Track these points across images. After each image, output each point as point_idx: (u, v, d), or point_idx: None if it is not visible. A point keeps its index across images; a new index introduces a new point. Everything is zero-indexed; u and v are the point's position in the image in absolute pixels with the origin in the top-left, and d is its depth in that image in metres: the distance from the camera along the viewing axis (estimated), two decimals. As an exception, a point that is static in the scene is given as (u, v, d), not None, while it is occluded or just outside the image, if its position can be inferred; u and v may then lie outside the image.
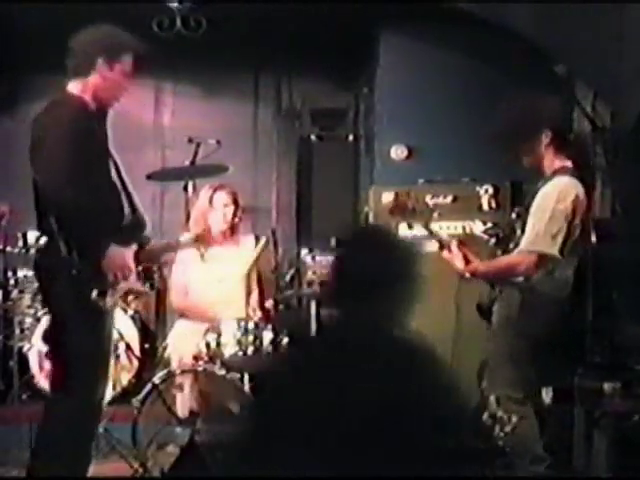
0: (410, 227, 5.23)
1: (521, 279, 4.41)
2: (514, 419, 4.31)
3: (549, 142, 4.41)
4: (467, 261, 4.53)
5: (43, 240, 4.14)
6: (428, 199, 5.99)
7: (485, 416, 4.44)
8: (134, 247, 4.13)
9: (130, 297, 5.99)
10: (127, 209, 4.16)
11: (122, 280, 4.01)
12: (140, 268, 4.22)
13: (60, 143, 3.84)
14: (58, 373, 4.16)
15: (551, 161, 4.45)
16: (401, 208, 5.02)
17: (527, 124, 4.42)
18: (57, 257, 3.90)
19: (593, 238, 4.53)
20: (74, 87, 4.11)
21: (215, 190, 5.67)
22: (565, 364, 4.79)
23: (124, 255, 4.01)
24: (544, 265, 4.34)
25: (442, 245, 4.62)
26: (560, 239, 4.31)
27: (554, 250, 4.30)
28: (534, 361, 4.37)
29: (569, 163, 4.44)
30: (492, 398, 4.38)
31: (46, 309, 4.34)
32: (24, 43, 6.97)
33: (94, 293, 3.92)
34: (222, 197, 5.65)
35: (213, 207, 5.63)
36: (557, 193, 4.36)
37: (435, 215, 5.75)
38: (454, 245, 4.58)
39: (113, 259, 3.94)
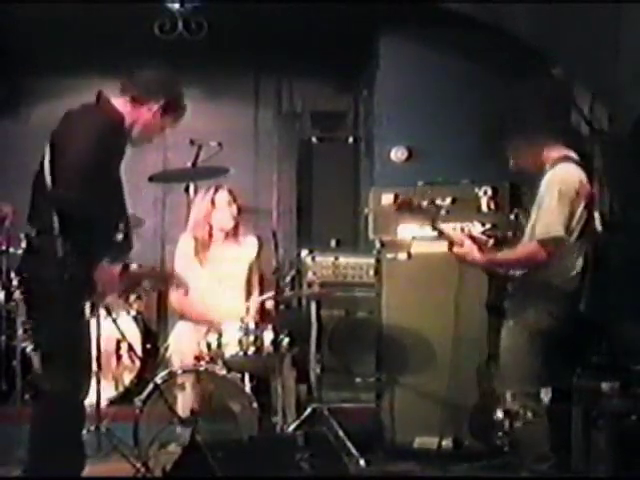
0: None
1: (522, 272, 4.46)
2: (529, 414, 4.34)
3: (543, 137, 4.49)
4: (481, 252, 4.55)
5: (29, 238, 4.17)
6: (427, 201, 6.01)
7: (497, 413, 4.48)
8: (119, 267, 4.12)
9: (132, 298, 6.03)
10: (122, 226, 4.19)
11: (109, 294, 4.06)
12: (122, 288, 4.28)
13: (86, 147, 3.92)
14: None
15: (549, 153, 4.51)
16: (407, 205, 5.02)
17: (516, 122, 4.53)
18: (51, 257, 3.92)
19: (599, 227, 4.55)
20: (120, 101, 4.21)
21: (216, 190, 5.69)
22: (565, 364, 4.82)
23: (111, 270, 4.03)
24: (558, 249, 4.36)
25: (452, 242, 4.61)
26: (567, 221, 4.35)
27: (561, 231, 4.34)
28: (546, 355, 4.40)
29: (569, 152, 4.50)
30: (508, 394, 4.41)
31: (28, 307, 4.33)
32: (24, 44, 7.00)
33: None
34: (224, 196, 5.66)
35: (216, 207, 5.65)
36: (560, 177, 4.42)
37: (442, 212, 5.76)
38: (466, 238, 4.59)
39: (102, 273, 3.98)
